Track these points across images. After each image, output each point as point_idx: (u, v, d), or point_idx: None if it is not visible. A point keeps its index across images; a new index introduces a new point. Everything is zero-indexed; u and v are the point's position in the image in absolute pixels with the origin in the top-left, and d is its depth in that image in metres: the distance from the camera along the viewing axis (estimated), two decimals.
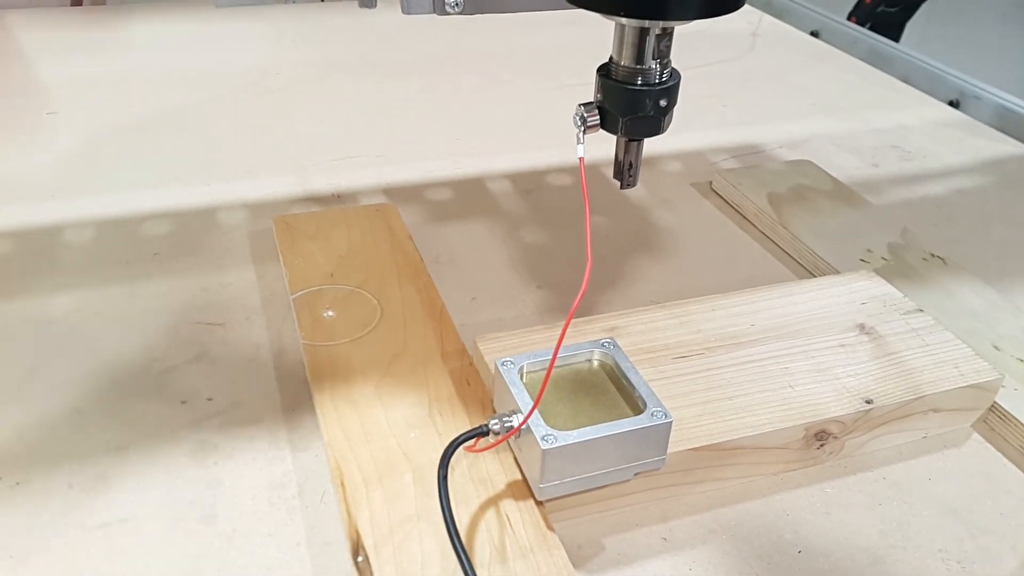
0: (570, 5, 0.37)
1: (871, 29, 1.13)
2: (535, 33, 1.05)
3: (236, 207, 0.66)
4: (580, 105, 0.39)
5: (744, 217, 0.68)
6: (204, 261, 0.59)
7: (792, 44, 1.08)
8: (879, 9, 1.35)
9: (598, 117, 0.39)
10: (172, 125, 0.79)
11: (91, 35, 1.00)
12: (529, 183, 0.72)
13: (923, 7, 1.39)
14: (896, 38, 1.34)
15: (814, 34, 1.12)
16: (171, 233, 0.63)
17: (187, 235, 0.62)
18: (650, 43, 0.37)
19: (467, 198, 0.69)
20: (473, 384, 0.47)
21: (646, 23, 0.36)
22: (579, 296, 0.31)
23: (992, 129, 0.87)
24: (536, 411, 0.38)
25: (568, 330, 0.48)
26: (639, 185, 0.73)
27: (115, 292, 0.56)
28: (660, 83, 0.38)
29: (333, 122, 0.81)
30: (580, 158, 0.36)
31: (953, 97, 0.94)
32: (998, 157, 0.81)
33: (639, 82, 0.38)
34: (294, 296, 0.53)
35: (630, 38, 0.37)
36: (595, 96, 0.40)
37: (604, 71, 0.40)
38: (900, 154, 0.80)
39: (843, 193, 0.69)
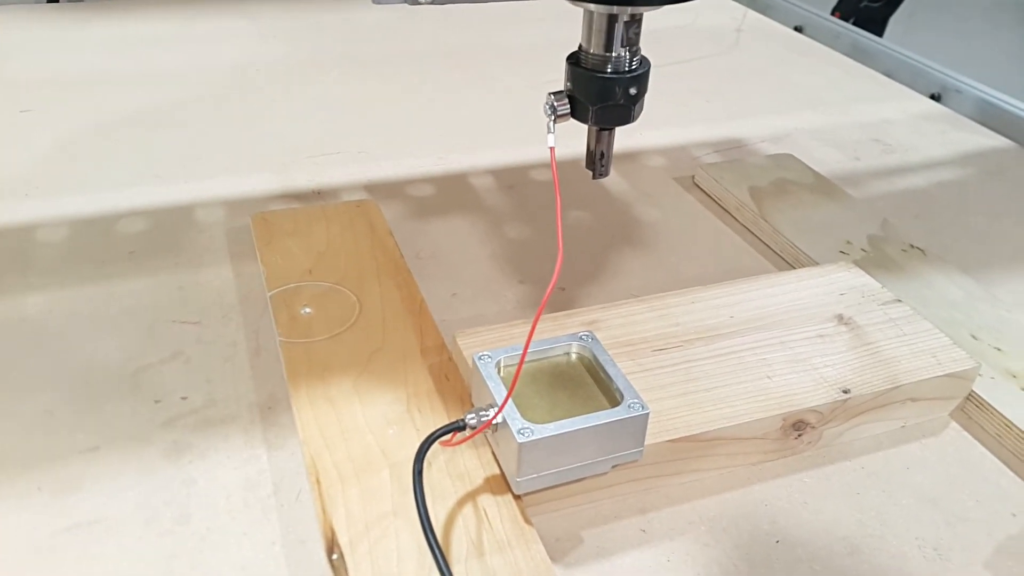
0: None
1: (854, 24, 1.14)
2: (518, 29, 1.04)
3: (214, 204, 0.66)
4: (550, 94, 0.39)
5: (726, 211, 0.68)
6: (181, 259, 0.59)
7: (776, 39, 1.08)
8: (862, 4, 1.35)
9: (568, 106, 0.39)
10: (150, 123, 0.78)
11: (67, 32, 0.99)
12: (512, 179, 0.71)
13: (907, 2, 1.40)
14: (879, 33, 1.35)
15: (798, 29, 1.12)
16: (148, 231, 0.62)
17: (164, 233, 0.62)
18: (619, 30, 0.37)
19: (449, 194, 0.69)
20: (452, 380, 0.47)
21: (614, 9, 0.36)
22: (551, 285, 0.31)
23: (973, 122, 0.87)
24: (513, 404, 0.38)
25: (548, 323, 0.48)
26: (621, 179, 0.73)
27: (90, 291, 0.55)
28: (630, 71, 0.38)
29: (314, 118, 0.81)
30: (551, 148, 0.36)
31: (935, 91, 0.94)
32: (979, 150, 0.82)
33: (609, 70, 0.38)
34: (271, 293, 0.52)
35: (598, 25, 0.37)
36: (565, 85, 0.40)
37: (573, 59, 0.39)
38: (882, 147, 0.81)
39: (824, 186, 0.69)
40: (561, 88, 0.40)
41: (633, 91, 0.38)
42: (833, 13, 1.34)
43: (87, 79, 0.87)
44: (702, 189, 0.71)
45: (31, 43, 0.95)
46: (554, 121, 0.38)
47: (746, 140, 0.80)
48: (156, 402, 0.46)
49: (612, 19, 0.36)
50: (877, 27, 1.36)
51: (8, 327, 0.52)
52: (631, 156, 0.75)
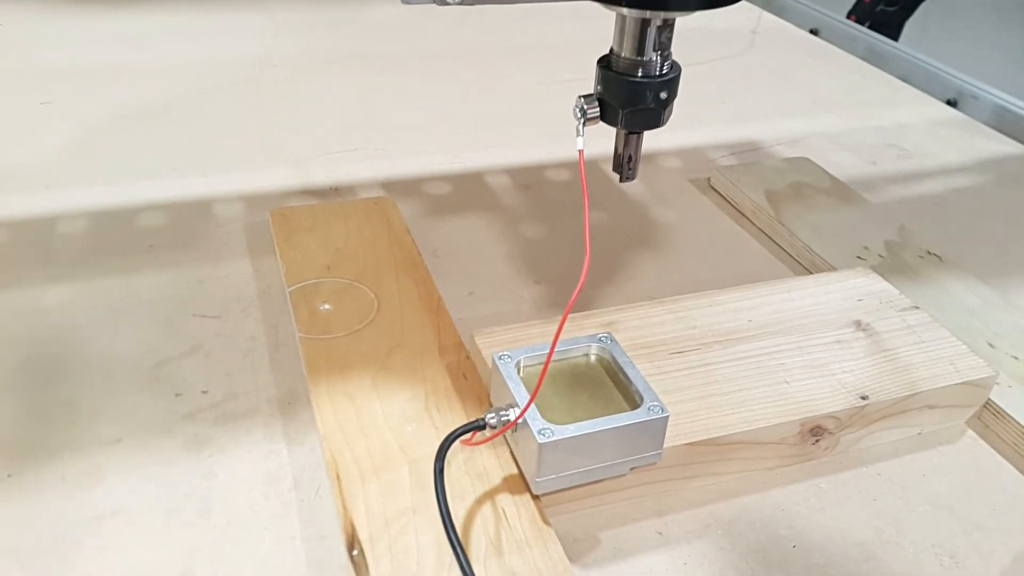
0: None
1: (870, 28, 1.13)
2: (535, 28, 1.04)
3: (233, 199, 0.66)
4: (580, 97, 0.39)
5: (742, 214, 0.68)
6: (200, 253, 0.59)
7: (791, 42, 1.08)
8: (878, 8, 1.35)
9: (598, 109, 0.39)
10: (169, 116, 0.79)
11: (87, 25, 0.99)
12: (528, 178, 0.72)
13: (922, 6, 1.40)
14: (895, 37, 1.34)
15: (813, 32, 1.12)
16: (167, 225, 0.62)
17: (183, 227, 0.62)
18: (651, 35, 0.37)
19: (466, 192, 0.69)
20: (470, 378, 0.47)
21: (647, 14, 0.36)
22: (579, 286, 0.31)
23: (990, 128, 0.87)
24: (533, 405, 0.38)
25: (565, 324, 0.48)
26: (638, 181, 0.73)
27: (110, 284, 0.55)
28: (661, 75, 0.38)
29: (331, 115, 0.81)
30: (579, 150, 0.36)
31: (951, 96, 0.94)
32: (995, 156, 0.81)
33: (640, 74, 0.38)
34: (290, 289, 0.53)
35: (631, 29, 0.37)
36: (595, 88, 0.40)
37: (605, 63, 0.39)
38: (898, 152, 0.81)
39: (840, 191, 0.69)
40: (588, 91, 0.40)
41: (664, 95, 0.38)
42: (849, 16, 1.33)
43: (106, 72, 0.87)
44: (718, 192, 0.71)
45: (50, 36, 0.96)
46: (583, 124, 0.38)
47: (762, 143, 0.80)
48: (177, 395, 0.47)
49: (644, 24, 0.37)
50: (893, 31, 1.35)
51: (30, 319, 0.52)
52: (647, 158, 0.75)
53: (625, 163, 0.41)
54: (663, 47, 0.37)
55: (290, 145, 0.75)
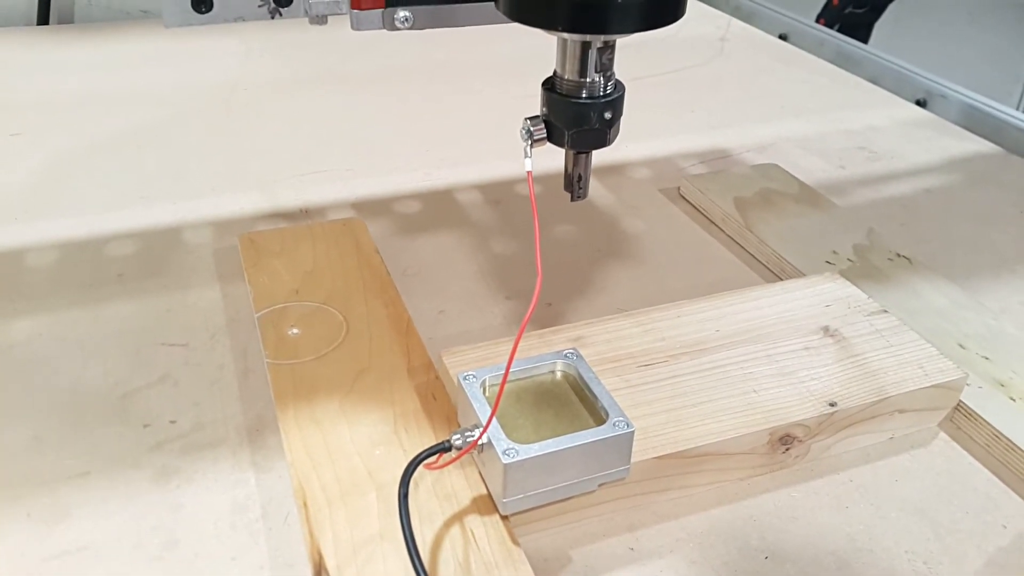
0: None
1: (839, 31, 1.14)
2: (503, 43, 1.05)
3: (202, 225, 0.66)
4: (526, 119, 0.39)
5: (712, 222, 0.68)
6: (169, 281, 0.59)
7: (760, 47, 1.09)
8: (847, 11, 1.36)
9: (544, 131, 0.39)
10: (138, 144, 0.78)
11: (57, 54, 0.99)
12: (498, 193, 0.72)
13: (893, 6, 1.41)
14: (865, 39, 1.35)
15: (782, 37, 1.13)
16: (135, 253, 0.62)
17: (152, 255, 0.62)
18: (592, 56, 0.37)
19: (436, 210, 0.69)
20: (439, 399, 0.47)
21: (587, 37, 0.36)
22: (529, 311, 0.31)
23: (959, 128, 0.88)
24: (498, 425, 0.38)
25: (534, 340, 0.48)
26: (607, 191, 0.73)
27: (77, 315, 0.55)
28: (604, 96, 0.38)
29: (301, 137, 0.81)
30: (528, 172, 0.36)
31: (920, 96, 0.95)
32: (964, 155, 0.82)
33: (583, 95, 0.38)
34: (259, 314, 0.52)
35: (572, 52, 0.37)
36: (541, 110, 0.40)
37: (549, 85, 0.40)
38: (867, 155, 0.81)
39: (809, 196, 0.70)
40: (538, 112, 0.40)
41: (608, 115, 0.38)
42: (818, 20, 1.35)
43: (75, 100, 0.87)
44: (688, 200, 0.71)
45: (21, 65, 0.95)
46: (531, 146, 0.38)
47: (731, 150, 0.81)
48: (145, 426, 0.46)
49: (585, 46, 0.37)
50: (862, 33, 1.37)
51: None
52: (616, 168, 0.76)
53: (575, 182, 0.42)
54: (605, 68, 0.38)
55: (260, 168, 0.74)
